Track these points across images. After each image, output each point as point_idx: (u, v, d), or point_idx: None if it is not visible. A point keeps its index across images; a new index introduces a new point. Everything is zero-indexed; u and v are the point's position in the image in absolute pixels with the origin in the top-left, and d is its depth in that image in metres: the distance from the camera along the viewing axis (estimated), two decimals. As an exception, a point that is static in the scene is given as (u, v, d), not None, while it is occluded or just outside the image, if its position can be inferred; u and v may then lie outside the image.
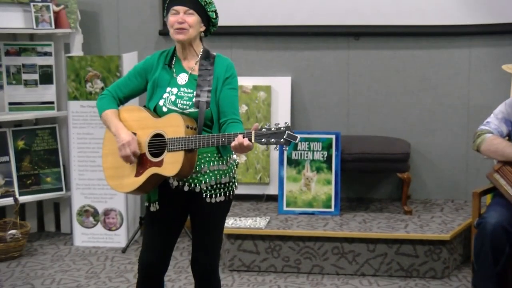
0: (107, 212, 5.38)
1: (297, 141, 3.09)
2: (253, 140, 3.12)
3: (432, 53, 5.55)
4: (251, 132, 3.12)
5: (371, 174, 5.63)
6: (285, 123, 3.12)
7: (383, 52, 5.61)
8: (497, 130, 4.11)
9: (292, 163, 5.28)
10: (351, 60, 5.65)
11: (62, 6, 5.41)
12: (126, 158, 3.35)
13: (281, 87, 5.60)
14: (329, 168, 5.25)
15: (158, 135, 3.33)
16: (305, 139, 5.18)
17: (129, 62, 5.29)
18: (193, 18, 3.37)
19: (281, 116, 5.55)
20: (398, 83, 5.62)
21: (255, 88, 5.58)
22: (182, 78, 3.42)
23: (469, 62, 5.51)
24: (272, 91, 5.58)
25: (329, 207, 5.24)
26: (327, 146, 5.25)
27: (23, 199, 5.37)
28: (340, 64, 5.66)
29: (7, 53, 5.32)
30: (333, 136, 5.23)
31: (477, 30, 5.46)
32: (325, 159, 5.26)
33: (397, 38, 5.57)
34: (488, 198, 4.66)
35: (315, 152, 5.26)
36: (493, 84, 5.46)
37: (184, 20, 3.35)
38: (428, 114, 5.61)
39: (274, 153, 5.40)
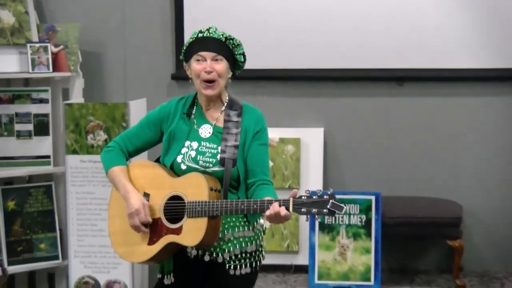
0: (109, 285, 5.39)
1: (342, 212, 3.13)
2: (291, 210, 3.15)
3: (487, 100, 5.63)
4: (289, 200, 3.16)
5: (416, 241, 5.64)
6: (330, 190, 3.16)
7: (429, 100, 5.69)
8: None
9: (325, 228, 5.32)
10: (392, 109, 5.73)
11: (61, 47, 5.51)
12: (136, 228, 3.38)
13: (312, 140, 5.68)
14: (368, 234, 5.29)
15: (175, 197, 3.35)
16: (340, 201, 5.19)
17: (137, 110, 5.34)
18: (222, 65, 3.41)
19: (312, 173, 5.62)
20: (448, 135, 5.69)
21: (282, 141, 5.65)
22: (205, 131, 3.45)
23: (533, 111, 5.59)
24: (301, 144, 5.65)
25: (368, 279, 5.27)
26: (365, 209, 5.29)
27: (12, 269, 5.36)
28: (380, 113, 5.74)
29: (0, 101, 5.41)
30: (373, 197, 5.29)
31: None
32: (363, 223, 5.30)
33: (446, 84, 5.66)
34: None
35: (351, 216, 5.30)
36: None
37: (213, 68, 3.39)
38: (483, 172, 5.66)
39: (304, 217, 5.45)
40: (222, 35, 3.42)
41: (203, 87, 3.41)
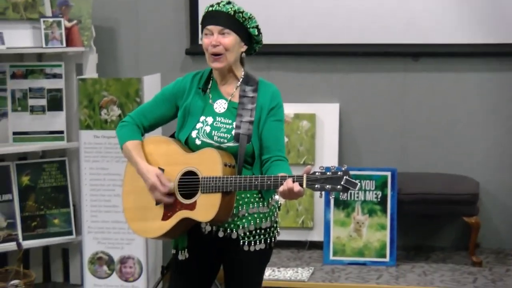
0: (123, 260, 5.40)
1: (356, 188, 3.11)
2: (304, 186, 3.14)
3: (504, 76, 5.58)
4: (303, 176, 3.14)
5: (432, 218, 5.62)
6: (344, 166, 3.15)
7: (446, 75, 5.65)
8: None
9: (340, 204, 5.31)
10: (408, 85, 5.70)
11: (74, 22, 5.49)
12: (160, 201, 3.38)
13: (327, 116, 5.66)
14: (384, 210, 5.28)
15: (190, 173, 3.35)
16: (356, 177, 5.18)
17: (151, 85, 5.32)
18: (229, 39, 3.39)
19: (327, 149, 5.61)
20: (464, 111, 5.65)
21: (297, 116, 5.64)
22: (220, 106, 3.44)
23: (550, 87, 5.54)
24: (317, 120, 5.64)
25: (384, 256, 5.27)
26: (381, 185, 5.28)
27: (27, 244, 5.40)
28: (396, 89, 5.71)
29: (13, 76, 5.41)
30: (389, 173, 5.27)
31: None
32: (379, 200, 5.29)
33: (462, 59, 5.62)
34: None
35: (367, 192, 5.29)
36: None
37: (219, 42, 3.38)
38: (500, 148, 5.62)
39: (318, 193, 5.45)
40: (231, 8, 3.40)
41: (210, 60, 3.41)
